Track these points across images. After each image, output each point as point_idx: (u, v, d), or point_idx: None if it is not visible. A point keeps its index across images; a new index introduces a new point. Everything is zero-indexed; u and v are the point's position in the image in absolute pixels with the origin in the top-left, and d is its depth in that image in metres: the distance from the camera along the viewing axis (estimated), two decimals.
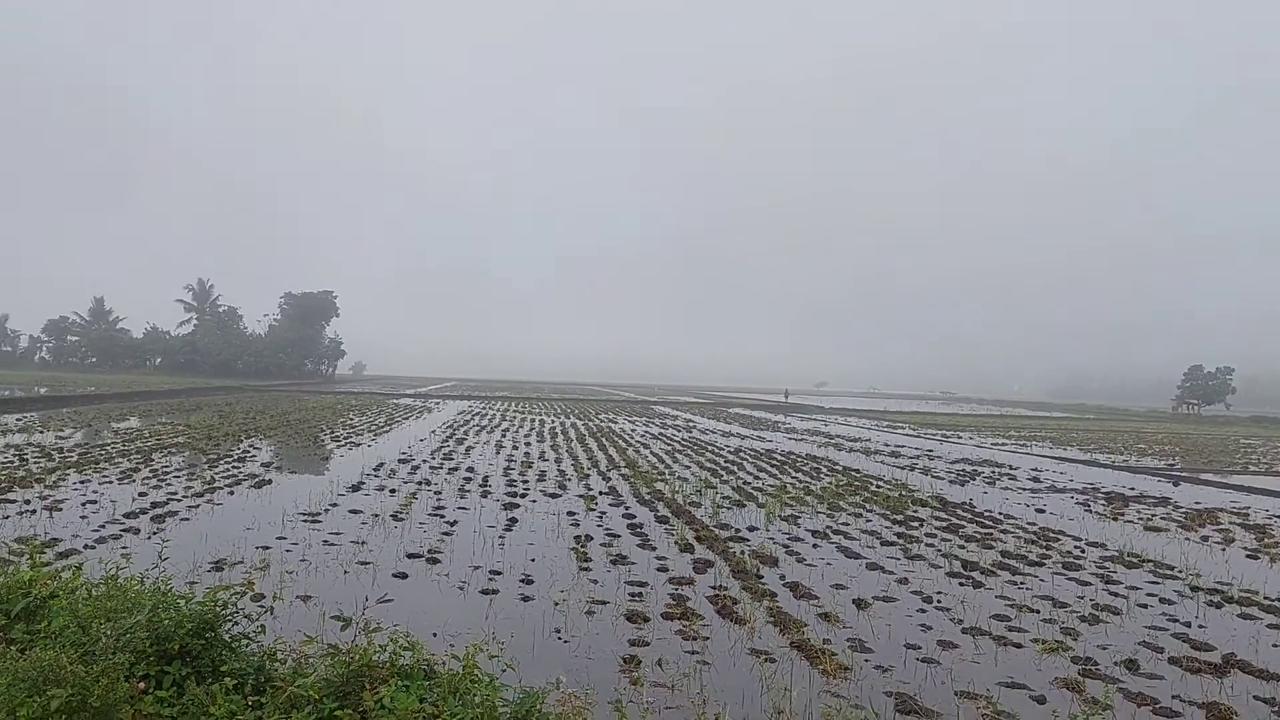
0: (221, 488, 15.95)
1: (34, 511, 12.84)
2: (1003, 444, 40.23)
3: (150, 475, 17.12)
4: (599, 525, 13.84)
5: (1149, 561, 12.78)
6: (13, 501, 13.63)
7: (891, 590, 10.36)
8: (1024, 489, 21.85)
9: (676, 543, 12.55)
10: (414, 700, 3.96)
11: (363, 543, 11.72)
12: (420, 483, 17.95)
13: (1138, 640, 8.71)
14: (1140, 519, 17.31)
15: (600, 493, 17.58)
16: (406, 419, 40.67)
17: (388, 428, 34.10)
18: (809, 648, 7.85)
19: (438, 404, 59.51)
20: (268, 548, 11.11)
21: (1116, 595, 10.62)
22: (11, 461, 18.45)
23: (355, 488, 16.83)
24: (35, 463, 18.31)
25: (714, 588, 10.01)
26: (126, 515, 12.79)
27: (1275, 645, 8.80)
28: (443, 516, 14.03)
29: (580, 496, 16.91)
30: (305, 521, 13.08)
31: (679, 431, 39.60)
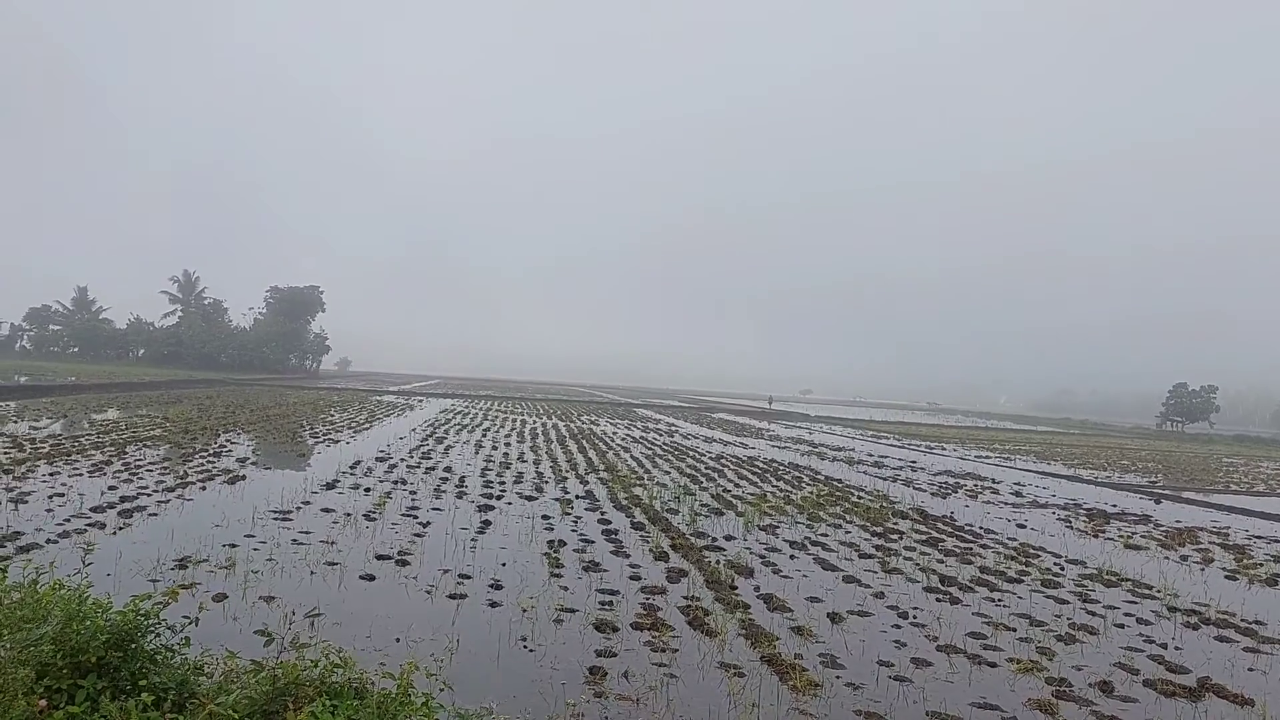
0: (194, 483, 15.70)
1: None
2: (986, 457, 40.22)
3: (123, 469, 16.85)
4: (573, 530, 13.66)
5: (1128, 580, 12.68)
6: None
7: (867, 604, 10.22)
8: (1006, 503, 21.77)
9: (651, 550, 12.39)
10: None
11: (332, 543, 11.52)
12: (396, 482, 17.73)
13: (1113, 661, 8.59)
14: (1121, 536, 17.23)
15: (577, 496, 17.40)
16: (388, 416, 40.37)
17: (368, 425, 33.81)
18: (780, 663, 7.70)
19: (420, 402, 59.17)
20: (235, 546, 10.90)
21: (1094, 615, 10.51)
22: None
23: (330, 485, 16.60)
24: (5, 453, 18.02)
25: (686, 598, 9.85)
26: (94, 509, 12.54)
27: (1251, 669, 8.70)
28: (416, 517, 13.82)
29: (557, 500, 16.73)
30: (276, 519, 12.86)
31: (661, 436, 39.44)
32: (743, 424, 58.77)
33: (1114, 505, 22.88)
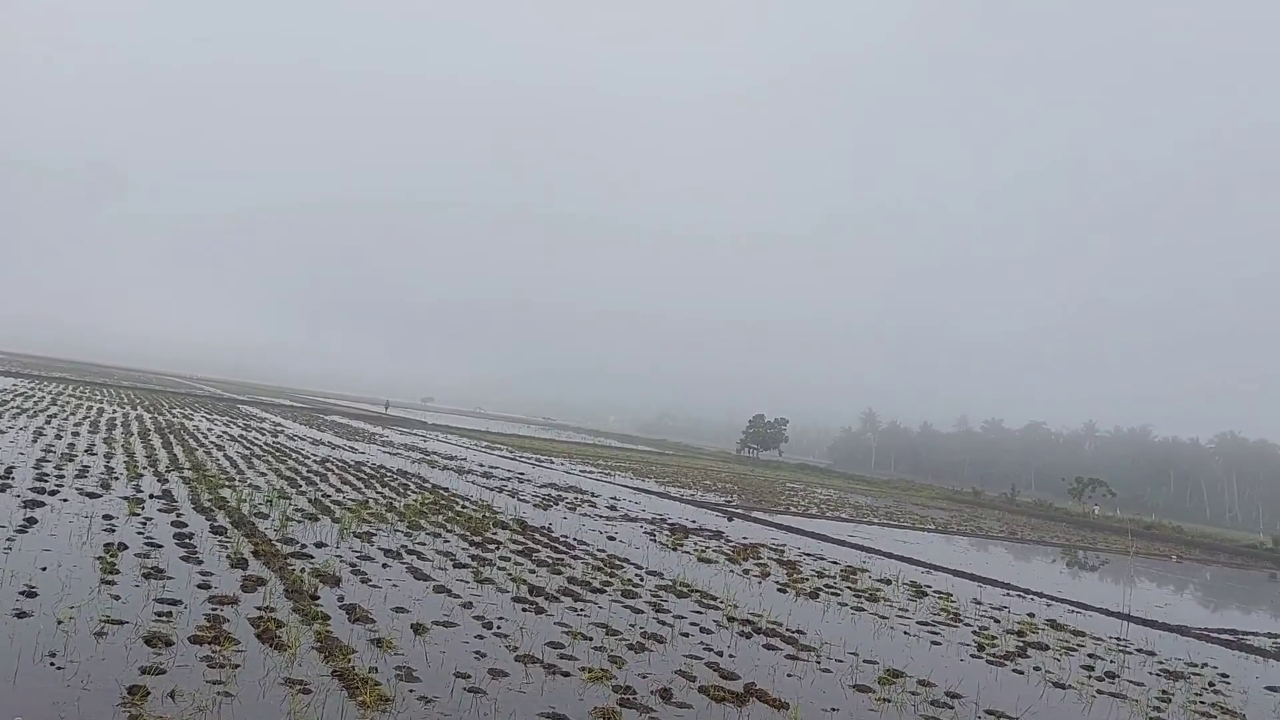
0: None
1: None
2: (590, 472, 42.12)
3: None
4: (140, 533, 12.25)
5: (697, 592, 13.74)
6: None
7: (455, 615, 10.13)
8: (601, 516, 22.85)
9: (229, 557, 11.42)
10: None
11: None
12: None
13: (675, 669, 9.19)
14: (696, 550, 18.71)
15: (151, 495, 15.69)
16: None
17: None
18: (351, 677, 7.35)
19: None
20: None
21: (664, 624, 11.22)
22: None
23: None
24: None
25: (260, 609, 9.14)
26: None
27: (789, 675, 9.71)
28: None
29: (125, 499, 14.96)
30: None
31: (263, 435, 36.97)
32: (356, 428, 56.81)
33: (694, 521, 24.87)
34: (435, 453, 40.58)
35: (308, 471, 23.78)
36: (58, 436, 24.10)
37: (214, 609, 8.92)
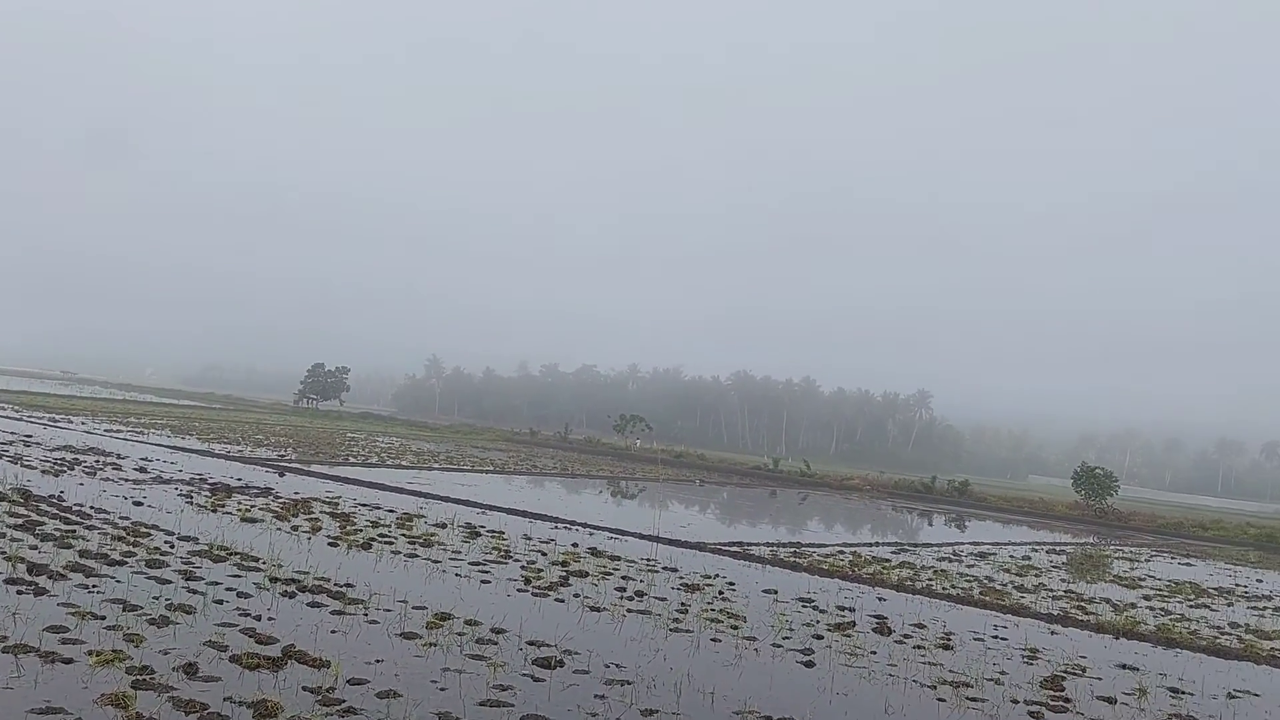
0: None
1: None
2: (118, 430, 37.67)
3: None
4: None
5: (237, 554, 12.83)
6: None
7: None
8: (127, 480, 20.52)
9: None
10: None
11: None
12: None
13: (204, 640, 8.49)
14: (240, 510, 17.50)
15: None
16: None
17: None
18: None
19: None
20: None
21: (195, 592, 10.33)
22: None
23: None
24: None
25: None
26: None
27: (334, 631, 9.41)
28: None
29: None
30: None
31: None
32: None
33: (240, 479, 23.26)
34: None
35: None
36: None
37: None
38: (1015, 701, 9.59)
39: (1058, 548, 30.21)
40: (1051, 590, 18.51)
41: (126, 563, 11.48)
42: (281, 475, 25.98)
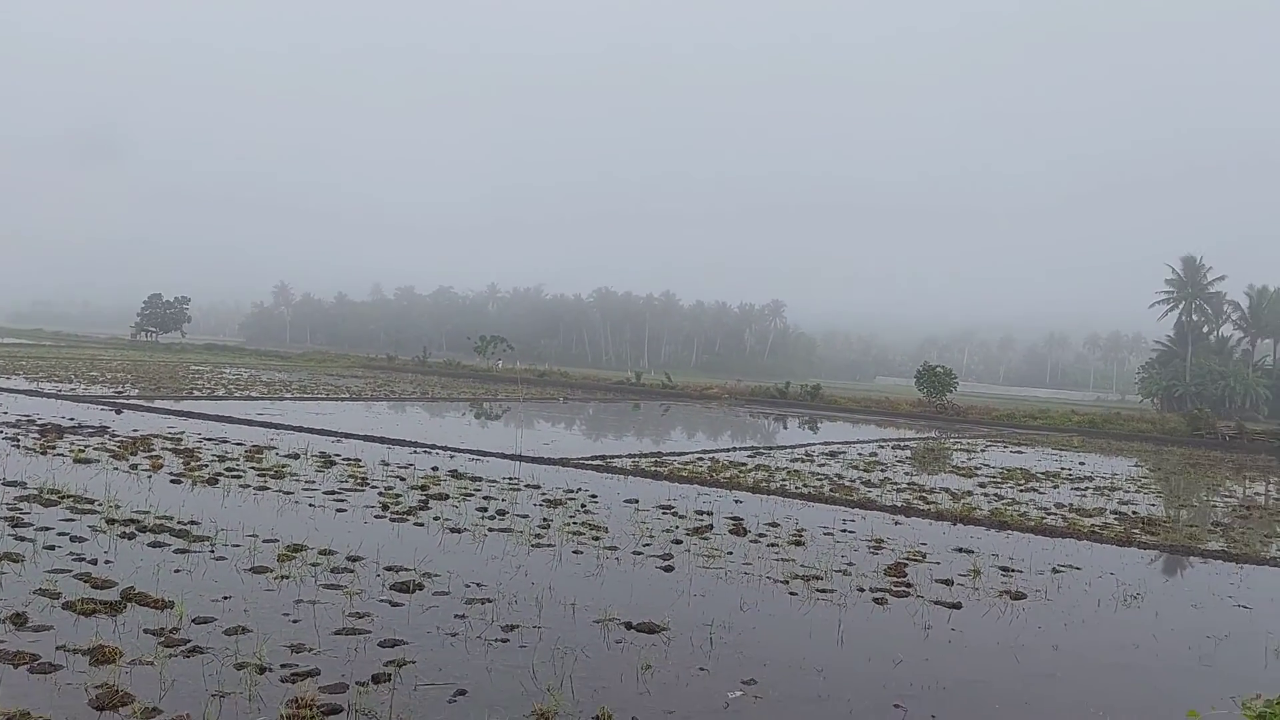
0: None
1: None
2: None
3: None
4: None
5: (70, 497, 12.14)
6: None
7: None
8: None
9: None
10: None
11: None
12: None
13: (34, 589, 8.03)
14: (73, 451, 16.52)
15: None
16: None
17: None
18: None
19: None
20: None
21: (24, 539, 9.74)
22: None
23: None
24: None
25: None
26: None
27: (177, 570, 9.06)
28: None
29: None
30: None
31: None
32: None
33: (72, 419, 21.92)
34: None
35: None
36: None
37: None
38: (861, 590, 10.11)
39: (902, 443, 31.83)
40: (896, 484, 19.51)
41: None
42: (119, 413, 24.63)
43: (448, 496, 14.37)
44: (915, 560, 11.81)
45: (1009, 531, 14.61)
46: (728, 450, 24.89)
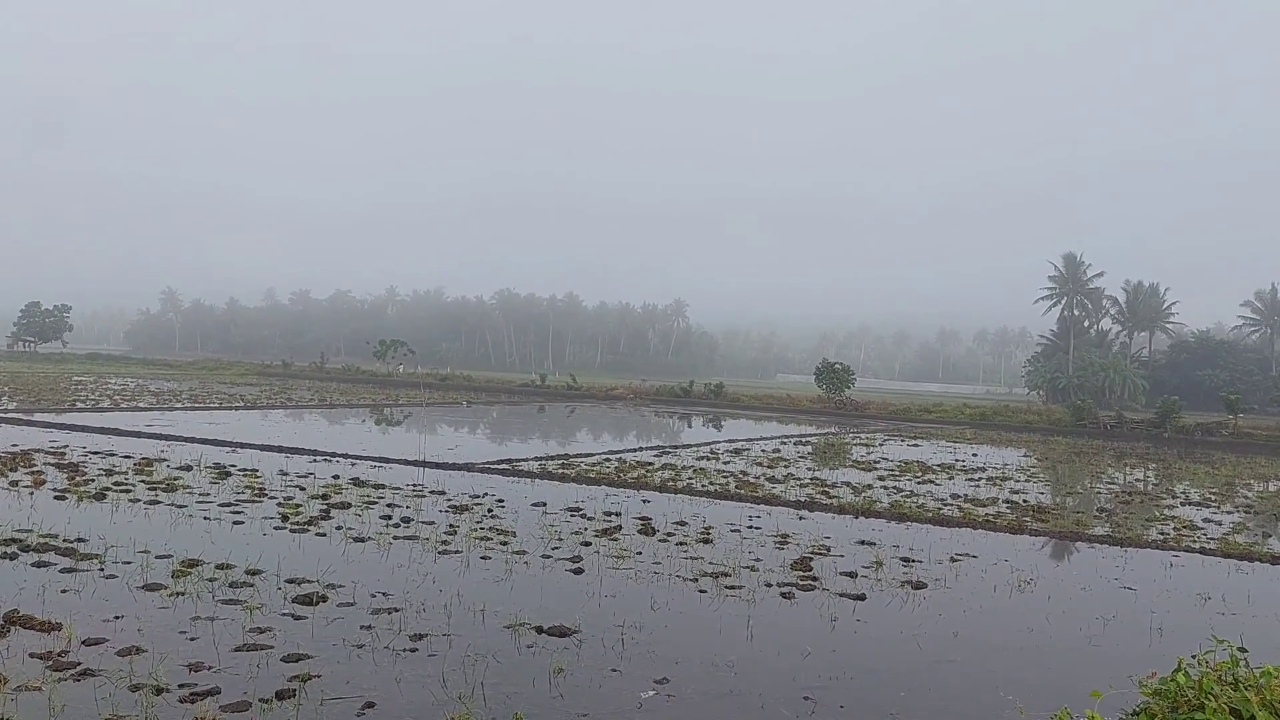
0: None
1: None
2: None
3: None
4: None
5: None
6: None
7: None
8: None
9: None
10: None
11: None
12: None
13: None
14: None
15: None
16: None
17: None
18: None
19: None
20: None
21: None
22: None
23: None
24: None
25: None
26: None
27: (64, 590, 8.65)
28: None
29: None
30: None
31: None
32: None
33: None
34: None
35: None
36: None
37: None
38: (769, 585, 10.27)
39: (804, 439, 32.47)
40: (799, 479, 19.88)
41: None
42: None
43: (350, 505, 14.05)
44: (820, 554, 12.05)
45: (909, 523, 15.03)
46: (634, 450, 24.98)
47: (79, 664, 6.75)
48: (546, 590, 9.70)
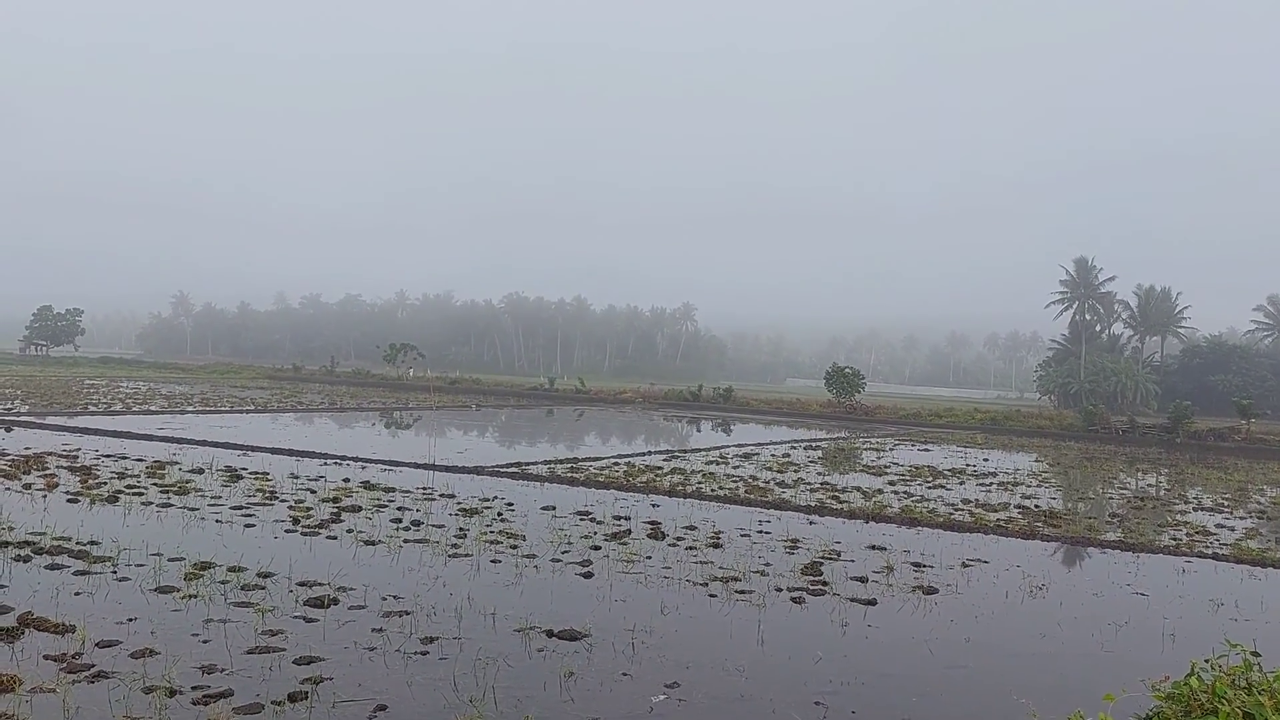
0: None
1: None
2: None
3: None
4: None
5: None
6: None
7: None
8: None
9: None
10: None
11: None
12: None
13: None
14: None
15: None
16: None
17: None
18: None
19: None
20: None
21: None
22: None
23: None
24: None
25: None
26: None
27: (78, 593, 8.68)
28: None
29: None
30: None
31: None
32: None
33: None
34: None
35: None
36: None
37: None
38: (779, 590, 10.25)
39: (814, 444, 32.42)
40: (809, 484, 19.85)
41: None
42: (9, 430, 23.50)
43: (360, 508, 14.08)
44: (830, 559, 12.03)
45: (919, 528, 15.00)
46: (643, 454, 24.97)
47: (93, 666, 6.78)
48: (556, 594, 9.70)
